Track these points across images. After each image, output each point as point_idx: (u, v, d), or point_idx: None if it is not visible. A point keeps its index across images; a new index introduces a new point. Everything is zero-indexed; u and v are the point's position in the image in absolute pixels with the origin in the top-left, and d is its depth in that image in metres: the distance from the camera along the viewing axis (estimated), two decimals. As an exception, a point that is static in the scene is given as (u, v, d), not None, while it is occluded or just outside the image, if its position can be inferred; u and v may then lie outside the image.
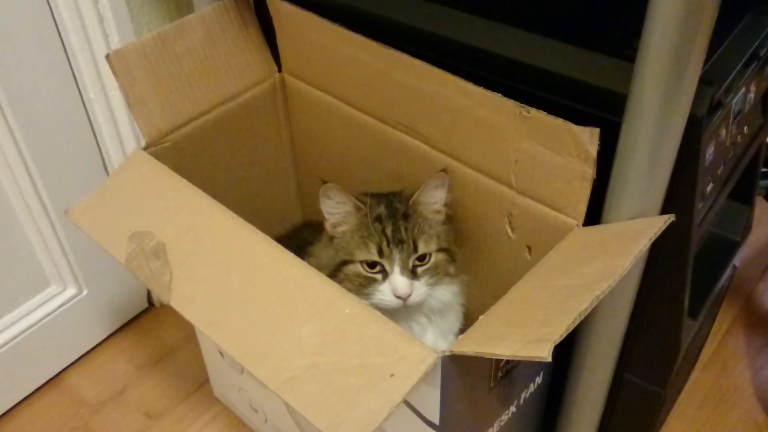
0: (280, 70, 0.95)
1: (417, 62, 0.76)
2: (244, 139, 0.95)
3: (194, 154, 0.87)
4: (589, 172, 0.66)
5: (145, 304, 1.25)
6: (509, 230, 0.79)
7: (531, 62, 0.71)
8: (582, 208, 0.69)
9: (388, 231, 0.77)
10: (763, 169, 1.16)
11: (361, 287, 0.76)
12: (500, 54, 0.73)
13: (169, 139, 0.84)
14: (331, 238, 0.81)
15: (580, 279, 0.60)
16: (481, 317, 0.61)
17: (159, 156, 0.81)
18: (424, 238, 0.77)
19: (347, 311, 0.63)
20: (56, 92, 0.96)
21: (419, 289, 0.76)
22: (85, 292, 1.13)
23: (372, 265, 0.76)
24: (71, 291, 1.12)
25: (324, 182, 0.77)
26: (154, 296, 1.24)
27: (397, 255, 0.76)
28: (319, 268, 0.68)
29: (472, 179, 0.79)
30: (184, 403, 1.11)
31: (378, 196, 0.81)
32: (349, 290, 0.65)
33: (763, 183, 1.17)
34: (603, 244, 0.65)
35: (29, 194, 1.00)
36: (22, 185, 0.99)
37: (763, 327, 1.21)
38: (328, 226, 0.81)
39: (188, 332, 1.21)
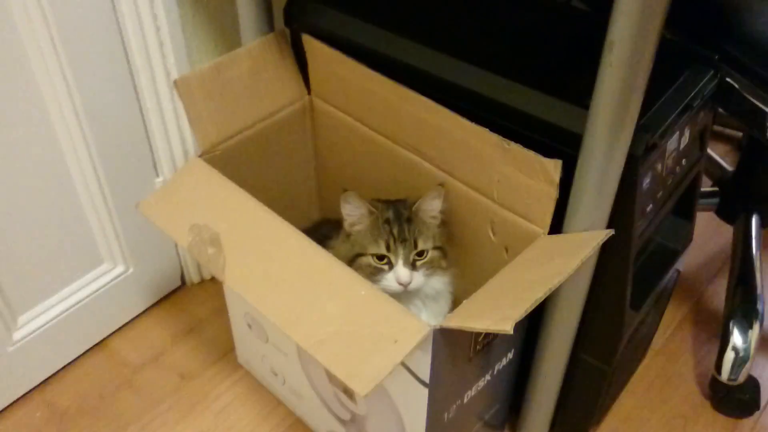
0: (309, 93, 1.01)
1: (424, 99, 0.84)
2: (277, 150, 1.02)
3: (238, 160, 0.95)
4: (553, 193, 0.75)
5: (179, 283, 1.31)
6: (491, 234, 0.86)
7: (513, 105, 0.78)
8: (547, 220, 0.77)
9: (395, 231, 0.85)
10: (712, 189, 1.29)
11: (371, 275, 0.84)
12: (491, 97, 0.80)
13: (219, 149, 0.93)
14: (348, 235, 0.89)
15: (540, 275, 0.69)
16: (464, 301, 0.70)
17: (211, 162, 0.89)
18: (423, 238, 0.85)
19: (363, 293, 0.72)
20: (120, 103, 1.03)
21: (417, 279, 0.85)
22: (131, 270, 1.19)
23: (381, 257, 0.84)
24: (120, 269, 1.19)
25: (345, 190, 0.85)
26: (187, 276, 1.31)
27: (401, 250, 0.84)
28: (338, 258, 0.75)
29: (464, 193, 0.86)
30: (213, 367, 1.18)
31: (387, 203, 0.89)
32: (362, 277, 0.73)
33: (711, 201, 1.26)
34: (560, 249, 0.75)
35: (93, 187, 1.07)
36: (89, 179, 1.06)
37: (709, 323, 1.28)
38: (346, 225, 0.88)
39: (215, 308, 1.27)
